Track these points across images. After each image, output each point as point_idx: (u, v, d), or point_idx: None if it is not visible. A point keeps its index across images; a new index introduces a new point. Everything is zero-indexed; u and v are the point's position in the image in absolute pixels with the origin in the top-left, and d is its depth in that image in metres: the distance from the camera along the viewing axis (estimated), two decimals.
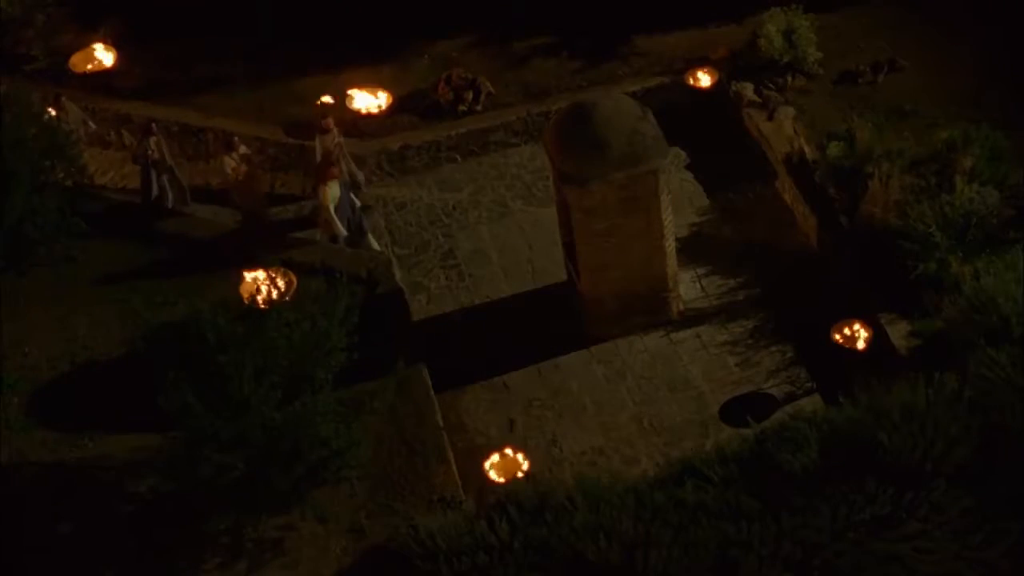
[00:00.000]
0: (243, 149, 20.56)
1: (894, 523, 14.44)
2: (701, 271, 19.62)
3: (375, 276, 18.85)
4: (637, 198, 17.78)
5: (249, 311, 16.16)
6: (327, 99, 20.84)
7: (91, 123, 21.33)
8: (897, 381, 15.72)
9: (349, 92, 20.58)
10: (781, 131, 20.79)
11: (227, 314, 15.60)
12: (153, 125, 20.84)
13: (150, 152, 20.56)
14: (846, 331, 17.24)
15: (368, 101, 20.75)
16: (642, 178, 17.71)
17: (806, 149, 20.13)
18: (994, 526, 14.38)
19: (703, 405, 17.93)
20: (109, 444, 16.83)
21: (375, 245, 20.02)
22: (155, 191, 20.74)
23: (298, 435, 15.22)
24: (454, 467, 16.65)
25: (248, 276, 17.04)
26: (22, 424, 17.22)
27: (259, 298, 16.39)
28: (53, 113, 20.65)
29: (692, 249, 19.77)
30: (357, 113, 21.13)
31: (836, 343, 17.24)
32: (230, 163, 20.29)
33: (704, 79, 21.14)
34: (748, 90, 21.46)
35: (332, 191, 19.37)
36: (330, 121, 20.49)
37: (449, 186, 21.39)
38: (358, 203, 20.11)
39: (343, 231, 19.50)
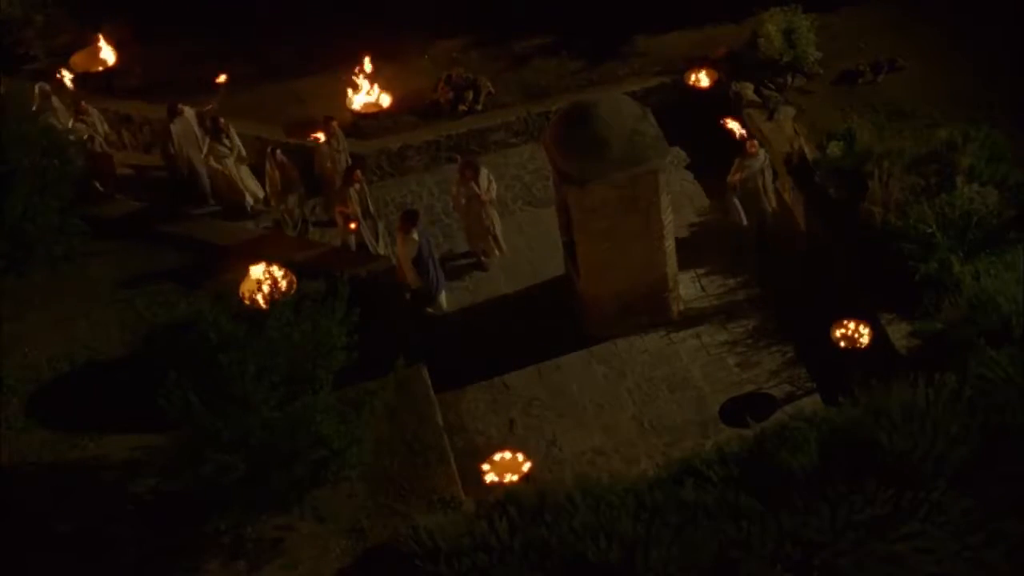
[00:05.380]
0: (485, 172, 19.63)
1: (894, 523, 14.44)
2: (701, 271, 19.62)
3: (375, 276, 18.88)
4: (637, 198, 17.77)
5: (250, 311, 16.17)
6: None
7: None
8: (897, 381, 15.73)
9: (349, 91, 20.61)
10: (781, 131, 20.78)
11: (228, 314, 15.60)
12: (357, 172, 19.65)
13: (351, 207, 19.44)
14: (846, 331, 17.26)
15: (369, 98, 20.78)
16: (642, 178, 17.70)
17: (806, 149, 20.12)
18: (994, 526, 14.39)
19: (703, 405, 17.92)
20: (109, 444, 16.83)
21: (444, 306, 19.54)
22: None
23: (298, 435, 15.21)
24: (454, 467, 16.65)
25: (249, 275, 17.06)
26: (22, 424, 17.23)
27: (260, 298, 16.41)
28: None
29: (692, 249, 19.75)
30: (357, 113, 21.19)
31: (836, 343, 17.25)
32: (483, 184, 19.50)
33: (704, 79, 21.21)
34: (748, 90, 21.44)
35: (410, 240, 18.84)
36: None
37: (449, 186, 21.38)
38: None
39: (416, 281, 19.12)
